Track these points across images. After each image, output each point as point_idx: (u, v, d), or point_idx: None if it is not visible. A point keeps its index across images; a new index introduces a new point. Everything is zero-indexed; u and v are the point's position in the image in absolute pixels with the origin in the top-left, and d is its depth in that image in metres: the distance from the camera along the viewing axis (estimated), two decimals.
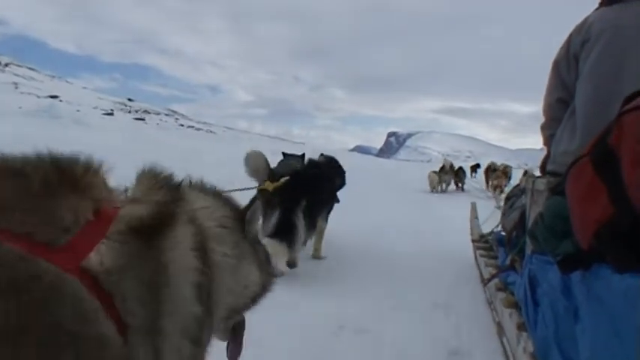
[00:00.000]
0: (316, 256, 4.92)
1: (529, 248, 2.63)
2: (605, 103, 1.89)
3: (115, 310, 0.84)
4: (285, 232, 3.95)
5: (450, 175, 16.81)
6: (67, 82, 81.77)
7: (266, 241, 3.09)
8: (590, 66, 2.51)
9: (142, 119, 46.23)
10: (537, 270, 2.05)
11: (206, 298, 1.06)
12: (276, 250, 3.75)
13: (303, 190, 4.25)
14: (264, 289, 1.42)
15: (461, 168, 18.03)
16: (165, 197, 1.05)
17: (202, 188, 1.38)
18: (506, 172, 15.00)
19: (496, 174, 15.15)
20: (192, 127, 53.27)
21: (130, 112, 53.16)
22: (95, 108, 46.59)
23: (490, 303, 3.48)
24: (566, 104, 2.73)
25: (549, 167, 2.77)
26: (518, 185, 4.14)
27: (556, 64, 2.78)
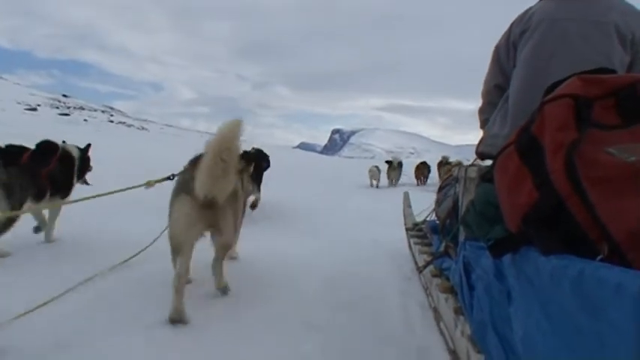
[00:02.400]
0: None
1: (462, 235, 2.72)
2: (535, 92, 1.99)
3: None
4: None
5: (398, 171, 17.51)
6: (1, 78, 76.60)
7: None
8: (525, 56, 2.64)
9: (67, 114, 44.73)
10: (471, 256, 2.12)
11: None
12: None
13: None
14: None
15: (424, 163, 18.73)
16: None
17: None
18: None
19: (447, 167, 15.97)
20: (124, 123, 51.63)
21: (57, 107, 50.79)
22: (19, 104, 44.35)
23: (426, 289, 3.57)
24: (503, 90, 2.86)
25: (481, 149, 2.89)
26: (450, 175, 4.27)
27: (496, 51, 2.90)
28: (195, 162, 3.18)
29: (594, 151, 1.41)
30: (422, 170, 18.46)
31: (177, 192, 3.16)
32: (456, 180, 3.41)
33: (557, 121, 1.52)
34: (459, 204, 3.14)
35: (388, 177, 17.34)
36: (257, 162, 6.94)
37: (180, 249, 3.05)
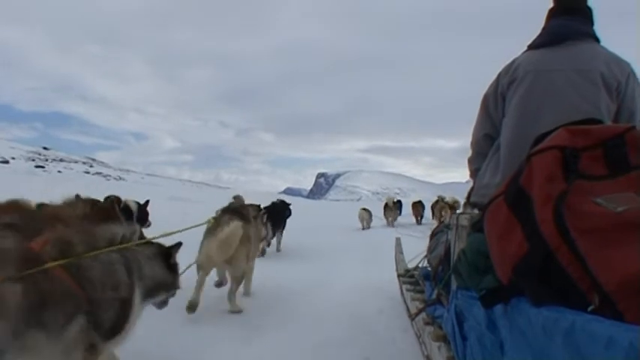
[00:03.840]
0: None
1: (454, 283, 2.71)
2: (526, 141, 2.01)
3: None
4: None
5: (394, 211, 17.66)
6: None
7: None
8: (514, 106, 2.68)
9: (42, 167, 45.27)
10: (463, 305, 2.11)
11: None
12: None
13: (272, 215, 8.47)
14: None
15: (419, 202, 18.82)
16: None
17: None
18: (454, 206, 15.65)
19: (439, 205, 16.54)
20: (101, 173, 51.76)
21: (34, 160, 51.05)
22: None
23: (419, 337, 3.53)
24: (492, 139, 2.88)
25: (472, 199, 2.90)
26: (442, 222, 4.28)
27: (485, 101, 2.93)
28: (224, 211, 4.76)
29: (582, 202, 1.43)
30: (417, 208, 18.51)
31: (205, 234, 4.47)
32: (448, 227, 3.42)
33: (545, 173, 1.55)
34: (452, 251, 3.14)
35: (385, 217, 17.50)
36: (281, 211, 9.21)
37: (202, 269, 4.38)
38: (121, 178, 47.47)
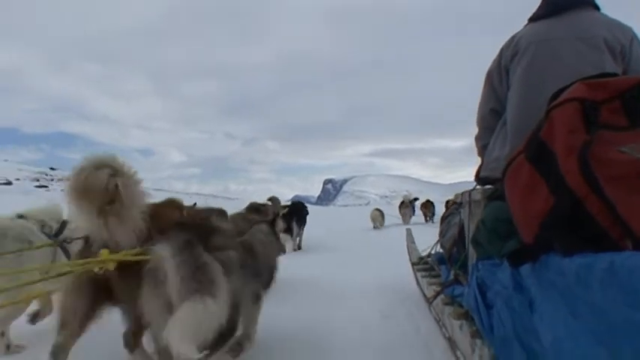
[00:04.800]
0: None
1: (472, 258, 2.68)
2: (532, 112, 2.00)
3: None
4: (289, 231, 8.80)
5: (410, 209, 17.89)
6: None
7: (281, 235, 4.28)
8: (518, 78, 2.67)
9: (45, 186, 46.85)
10: (485, 275, 2.08)
11: None
12: (285, 239, 6.24)
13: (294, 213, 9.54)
14: None
15: (429, 201, 18.92)
16: None
17: None
18: None
19: (451, 203, 16.42)
20: None
21: (38, 180, 52.18)
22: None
23: (438, 320, 3.48)
24: (498, 114, 2.87)
25: (482, 174, 2.88)
26: (453, 204, 4.24)
27: (489, 76, 2.93)
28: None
29: (607, 151, 1.41)
30: (427, 208, 18.62)
31: None
32: (460, 205, 3.39)
33: (567, 125, 1.53)
34: (465, 229, 3.10)
35: (402, 215, 17.80)
36: (301, 209, 10.16)
37: None
38: None
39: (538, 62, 2.60)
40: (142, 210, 2.46)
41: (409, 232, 6.52)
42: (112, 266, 2.20)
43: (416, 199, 18.80)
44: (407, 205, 17.83)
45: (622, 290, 1.06)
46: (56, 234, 3.61)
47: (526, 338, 1.58)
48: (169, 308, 1.97)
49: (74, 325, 2.41)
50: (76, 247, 3.31)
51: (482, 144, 3.05)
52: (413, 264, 5.08)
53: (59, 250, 3.50)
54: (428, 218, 18.40)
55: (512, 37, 2.81)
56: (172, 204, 2.87)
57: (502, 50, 2.86)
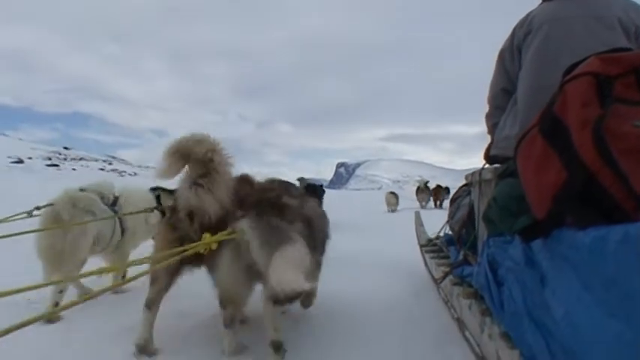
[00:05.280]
0: None
1: (482, 237, 2.68)
2: (544, 91, 1.98)
3: None
4: None
5: (426, 194, 17.99)
6: (4, 134, 77.88)
7: None
8: (531, 57, 2.65)
9: (57, 165, 47.28)
10: (496, 252, 2.09)
11: None
12: None
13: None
14: None
15: (439, 186, 19.01)
16: None
17: None
18: None
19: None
20: (116, 170, 53.15)
21: (50, 159, 52.70)
22: (9, 157, 46.11)
23: (446, 302, 3.49)
24: (509, 94, 2.86)
25: (492, 152, 2.87)
26: (462, 186, 4.23)
27: (501, 55, 2.91)
28: None
29: (621, 125, 1.40)
30: (439, 193, 18.72)
31: None
32: (469, 186, 3.38)
33: (580, 98, 1.52)
34: (475, 209, 3.10)
35: (418, 200, 18.25)
36: (318, 189, 10.58)
37: None
38: (135, 174, 48.25)
39: (551, 41, 2.58)
40: (229, 186, 2.80)
41: (418, 215, 6.53)
42: (215, 246, 2.38)
43: (426, 183, 18.90)
44: (423, 190, 18.06)
45: (637, 260, 1.06)
46: (111, 206, 4.06)
47: (537, 313, 1.58)
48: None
49: (163, 282, 2.84)
50: (154, 218, 4.42)
51: (493, 122, 3.04)
52: (421, 246, 5.09)
53: (117, 221, 4.01)
54: (439, 203, 18.46)
55: (526, 16, 2.78)
56: (245, 179, 3.19)
57: (515, 29, 2.84)
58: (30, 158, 49.65)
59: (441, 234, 4.76)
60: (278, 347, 2.61)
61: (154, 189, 4.80)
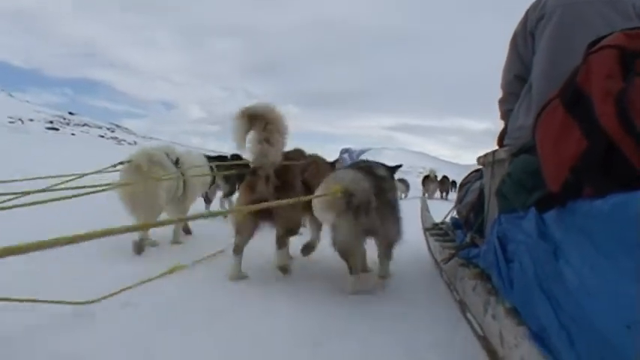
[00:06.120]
0: None
1: (492, 217, 2.67)
2: (559, 78, 1.97)
3: None
4: None
5: (435, 184, 17.87)
6: (10, 95, 77.86)
7: None
8: (545, 42, 2.61)
9: (56, 129, 47.99)
10: (507, 228, 2.07)
11: None
12: None
13: None
14: None
15: (446, 177, 18.94)
16: None
17: None
18: None
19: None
20: (116, 138, 53.41)
21: (52, 122, 53.16)
22: (10, 117, 46.59)
23: (449, 284, 3.48)
24: (523, 80, 2.82)
25: (506, 141, 2.84)
26: (472, 172, 4.21)
27: (514, 40, 2.87)
28: None
29: None
30: (444, 184, 18.70)
31: None
32: (479, 171, 3.36)
33: (605, 70, 1.50)
34: (486, 191, 3.08)
35: (425, 190, 18.17)
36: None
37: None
38: (135, 143, 48.40)
39: (565, 26, 2.54)
40: (285, 143, 3.61)
41: (424, 200, 6.55)
42: (339, 195, 3.04)
43: (434, 173, 18.87)
44: (433, 181, 17.92)
45: None
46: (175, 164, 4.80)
47: (548, 284, 1.57)
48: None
49: (246, 232, 3.60)
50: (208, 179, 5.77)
51: (506, 109, 3.01)
52: (426, 229, 5.08)
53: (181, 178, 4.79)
54: (445, 194, 18.43)
55: (538, 0, 2.74)
56: (299, 151, 4.29)
57: (528, 13, 2.79)
58: (31, 120, 49.95)
59: (447, 219, 4.75)
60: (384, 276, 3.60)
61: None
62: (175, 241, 4.95)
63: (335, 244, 3.30)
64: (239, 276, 3.61)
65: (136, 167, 4.16)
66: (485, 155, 3.18)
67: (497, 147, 3.06)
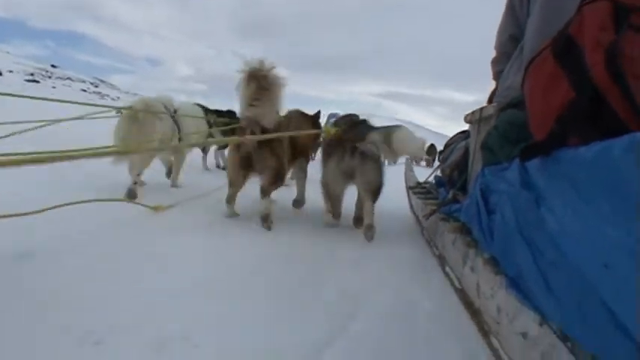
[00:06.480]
0: None
1: (476, 172, 2.70)
2: (551, 36, 1.96)
3: None
4: None
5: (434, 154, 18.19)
6: None
7: None
8: (540, 4, 2.59)
9: (37, 81, 47.03)
10: (491, 180, 2.11)
11: None
12: None
13: None
14: None
15: (433, 145, 18.99)
16: None
17: None
18: None
19: None
20: (99, 93, 52.52)
21: (32, 74, 51.89)
22: None
23: (429, 241, 3.55)
24: (517, 41, 2.81)
25: (496, 99, 2.86)
26: (458, 133, 4.24)
27: (510, 1, 2.85)
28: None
29: (634, 49, 1.39)
30: (429, 152, 18.87)
31: None
32: (470, 123, 3.38)
33: (597, 21, 1.51)
34: (471, 149, 3.11)
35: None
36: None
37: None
38: (118, 98, 47.84)
39: None
40: (280, 105, 3.87)
41: (408, 162, 6.58)
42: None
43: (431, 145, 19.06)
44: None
45: None
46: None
47: (528, 232, 1.61)
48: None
49: (237, 183, 3.96)
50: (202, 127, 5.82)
51: (498, 69, 3.02)
52: (409, 188, 5.12)
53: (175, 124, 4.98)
54: (431, 162, 18.61)
55: None
56: (305, 115, 4.66)
57: None
58: (11, 72, 48.72)
59: (431, 179, 4.79)
60: (369, 228, 3.64)
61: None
62: (174, 185, 5.33)
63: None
64: (233, 214, 4.02)
65: (133, 114, 4.28)
66: (473, 112, 3.20)
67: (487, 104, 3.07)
